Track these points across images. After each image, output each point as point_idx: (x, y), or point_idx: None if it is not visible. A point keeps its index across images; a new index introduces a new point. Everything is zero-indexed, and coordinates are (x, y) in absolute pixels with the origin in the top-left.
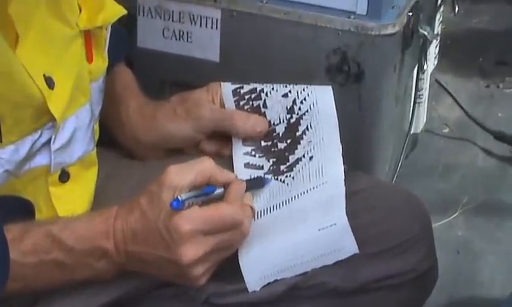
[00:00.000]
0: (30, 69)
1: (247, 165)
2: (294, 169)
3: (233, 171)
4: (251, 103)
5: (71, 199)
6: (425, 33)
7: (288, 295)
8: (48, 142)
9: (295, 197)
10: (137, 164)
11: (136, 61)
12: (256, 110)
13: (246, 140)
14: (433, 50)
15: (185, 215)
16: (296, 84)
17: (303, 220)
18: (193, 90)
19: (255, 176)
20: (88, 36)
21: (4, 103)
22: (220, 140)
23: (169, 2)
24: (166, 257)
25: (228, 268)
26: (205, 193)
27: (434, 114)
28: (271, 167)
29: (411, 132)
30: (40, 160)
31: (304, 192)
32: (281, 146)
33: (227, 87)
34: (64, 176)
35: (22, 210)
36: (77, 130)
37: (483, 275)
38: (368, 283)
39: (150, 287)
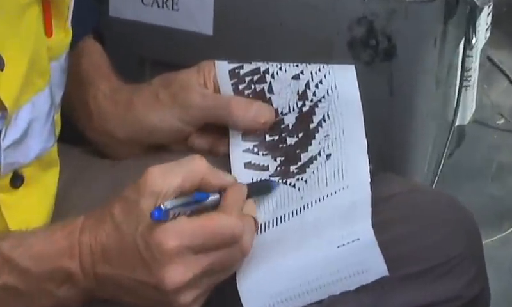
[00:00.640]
0: None
1: (248, 165)
2: (307, 170)
3: (230, 173)
4: (253, 87)
5: (25, 209)
6: None
7: None
8: None
9: (308, 205)
10: (109, 164)
11: (108, 34)
12: (260, 96)
13: (246, 134)
14: (484, 19)
15: (170, 228)
16: (310, 63)
17: (318, 235)
18: (180, 71)
19: (258, 178)
20: (47, 2)
21: None
22: (214, 133)
23: None
24: (145, 281)
25: (223, 295)
26: (195, 200)
27: (486, 101)
28: (278, 168)
29: (457, 124)
30: None
31: (319, 200)
32: (290, 141)
33: (223, 67)
34: (16, 180)
35: None
36: (33, 121)
37: None
38: None
39: None
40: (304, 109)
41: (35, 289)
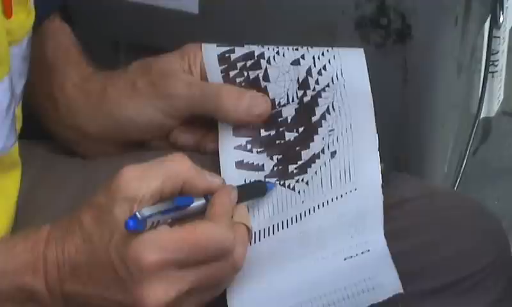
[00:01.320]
0: None
1: (240, 164)
2: (308, 170)
3: (219, 173)
4: (245, 74)
5: None
6: None
7: None
8: None
9: (310, 211)
10: (79, 164)
11: (77, 14)
12: (254, 85)
13: (238, 128)
14: None
15: (148, 239)
16: (312, 47)
17: (321, 245)
18: (161, 55)
19: (252, 180)
20: None
21: None
22: (201, 128)
23: None
24: (120, 301)
25: None
26: (177, 206)
27: None
28: (275, 168)
29: (482, 116)
30: None
31: (323, 204)
32: (290, 136)
33: (211, 51)
34: None
35: None
36: None
37: None
38: None
39: None
40: (306, 99)
41: None
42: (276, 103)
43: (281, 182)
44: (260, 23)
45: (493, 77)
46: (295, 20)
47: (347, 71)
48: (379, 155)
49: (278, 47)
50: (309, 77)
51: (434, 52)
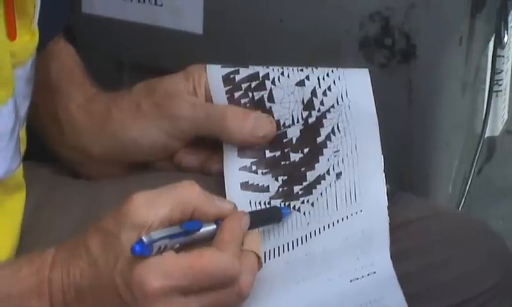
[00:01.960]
0: None
1: (245, 185)
2: (313, 191)
3: (224, 195)
4: (250, 94)
5: None
6: None
7: None
8: None
9: (315, 232)
10: (83, 186)
11: (82, 34)
12: (259, 106)
13: (243, 149)
14: None
15: (153, 264)
16: (316, 67)
17: (327, 267)
18: (165, 76)
19: (257, 201)
20: (9, 0)
21: None
22: (205, 149)
23: None
24: None
25: None
26: (185, 231)
27: None
28: (280, 189)
29: (486, 135)
30: None
31: (328, 226)
32: (294, 157)
33: (215, 72)
34: None
35: None
36: None
37: None
38: None
39: None
40: (311, 120)
41: None
42: (281, 124)
43: (287, 203)
44: (265, 44)
45: (497, 96)
46: (299, 40)
47: (352, 92)
48: (385, 176)
49: (282, 68)
50: (314, 98)
51: (438, 72)
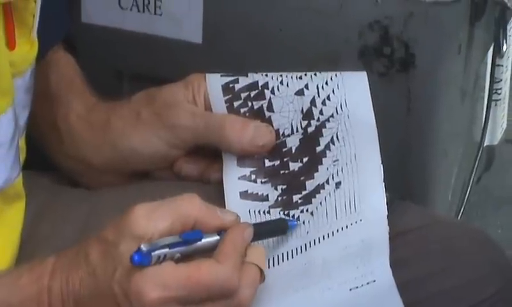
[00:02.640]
0: None
1: (244, 194)
2: (313, 200)
3: (223, 204)
4: (250, 104)
5: None
6: None
7: None
8: None
9: (315, 241)
10: (83, 195)
11: (81, 44)
12: (258, 115)
13: (242, 158)
14: None
15: (152, 274)
16: (316, 75)
17: (327, 276)
18: (165, 85)
19: (256, 210)
20: (8, 9)
21: None
22: (205, 158)
23: None
24: None
25: None
26: (185, 240)
27: None
28: (280, 198)
29: (485, 144)
30: None
31: (328, 235)
32: (294, 167)
33: (215, 81)
34: None
35: None
36: None
37: None
38: None
39: None
40: (310, 129)
41: None
42: (281, 133)
43: (286, 212)
44: (264, 53)
45: (496, 105)
46: (298, 50)
47: (351, 101)
48: (384, 185)
49: (281, 76)
50: (313, 107)
51: (437, 81)
